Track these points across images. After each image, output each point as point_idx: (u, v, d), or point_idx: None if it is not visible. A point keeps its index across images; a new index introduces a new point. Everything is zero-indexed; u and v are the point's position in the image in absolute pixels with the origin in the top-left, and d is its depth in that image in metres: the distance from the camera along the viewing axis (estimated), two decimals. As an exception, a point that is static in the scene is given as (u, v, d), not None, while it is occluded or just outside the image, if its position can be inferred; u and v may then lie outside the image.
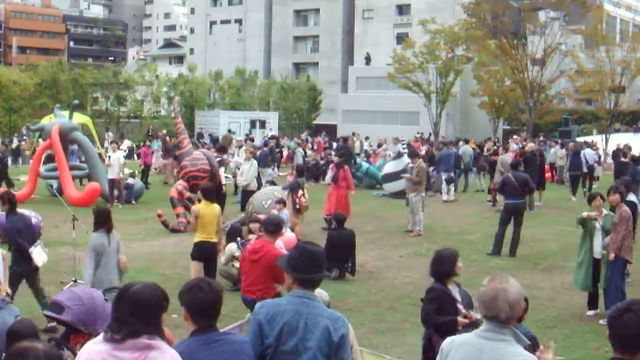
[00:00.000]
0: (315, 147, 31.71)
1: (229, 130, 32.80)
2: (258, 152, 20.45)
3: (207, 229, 8.96)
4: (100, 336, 3.05)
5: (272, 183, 16.69)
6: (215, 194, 11.41)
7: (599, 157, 27.12)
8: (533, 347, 3.94)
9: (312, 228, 14.24)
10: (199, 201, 11.10)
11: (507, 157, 18.96)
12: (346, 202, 14.95)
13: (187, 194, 14.69)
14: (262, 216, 12.16)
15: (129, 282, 3.22)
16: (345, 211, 13.67)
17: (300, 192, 13.34)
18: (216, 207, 9.27)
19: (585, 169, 22.34)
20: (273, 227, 7.08)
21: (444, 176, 21.22)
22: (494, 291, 3.13)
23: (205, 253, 8.96)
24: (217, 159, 16.29)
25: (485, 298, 3.15)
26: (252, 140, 25.83)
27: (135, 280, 3.30)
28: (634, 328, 2.91)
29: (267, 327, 3.65)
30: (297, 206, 13.33)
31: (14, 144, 29.14)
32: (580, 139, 32.98)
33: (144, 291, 3.08)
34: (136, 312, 3.00)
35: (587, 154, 23.21)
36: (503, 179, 13.82)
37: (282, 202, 12.24)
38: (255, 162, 17.43)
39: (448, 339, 3.44)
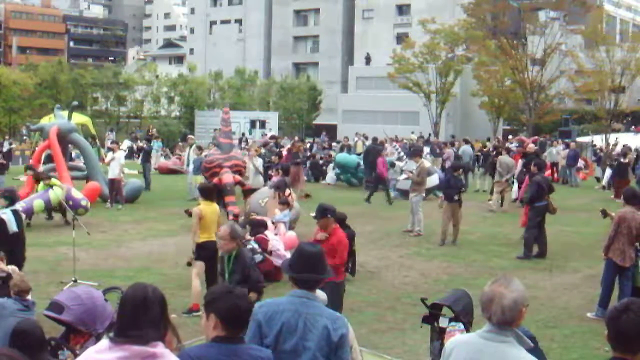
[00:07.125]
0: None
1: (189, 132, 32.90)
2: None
3: (209, 229, 8.99)
4: (106, 344, 2.98)
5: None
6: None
7: None
8: (535, 347, 3.91)
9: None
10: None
11: (507, 158, 18.98)
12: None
13: (238, 177, 15.01)
14: (258, 217, 12.18)
15: (133, 284, 3.17)
16: None
17: (287, 191, 13.40)
18: (216, 206, 9.34)
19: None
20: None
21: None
22: (491, 293, 3.10)
23: (209, 252, 8.99)
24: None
25: (482, 298, 3.14)
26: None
27: (136, 282, 3.27)
28: (633, 327, 2.89)
29: (266, 327, 3.64)
30: None
31: (5, 148, 28.18)
32: (582, 139, 33.58)
33: (143, 291, 3.02)
34: (140, 315, 2.94)
35: None
36: (537, 182, 13.14)
37: (284, 202, 12.25)
38: (259, 161, 17.63)
39: (451, 340, 3.45)
